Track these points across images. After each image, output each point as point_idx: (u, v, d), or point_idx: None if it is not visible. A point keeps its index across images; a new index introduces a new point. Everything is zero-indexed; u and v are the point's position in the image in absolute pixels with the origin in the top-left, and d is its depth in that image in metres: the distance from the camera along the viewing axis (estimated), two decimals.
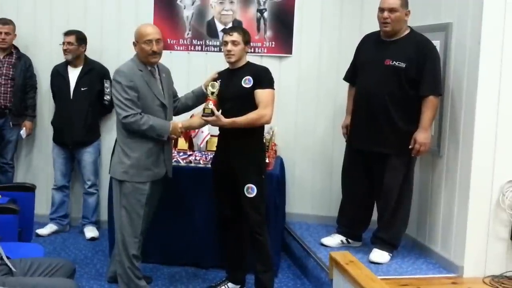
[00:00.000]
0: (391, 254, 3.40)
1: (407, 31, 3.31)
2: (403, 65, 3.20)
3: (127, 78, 3.03)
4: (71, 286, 2.36)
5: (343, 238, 3.66)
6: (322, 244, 3.68)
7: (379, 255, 3.36)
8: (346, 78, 3.69)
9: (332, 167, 4.16)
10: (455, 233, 3.21)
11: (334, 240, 3.67)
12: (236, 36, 3.09)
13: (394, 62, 3.22)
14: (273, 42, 4.25)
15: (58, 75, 4.28)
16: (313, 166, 4.34)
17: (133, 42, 3.14)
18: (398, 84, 3.22)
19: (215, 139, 3.81)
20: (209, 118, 3.07)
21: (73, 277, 2.59)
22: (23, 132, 4.36)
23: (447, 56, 3.31)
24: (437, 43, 3.38)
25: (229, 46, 3.09)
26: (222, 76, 3.22)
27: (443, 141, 3.35)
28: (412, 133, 3.23)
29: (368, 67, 3.37)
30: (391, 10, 3.20)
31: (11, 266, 2.41)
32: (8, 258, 2.45)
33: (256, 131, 3.15)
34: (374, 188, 3.45)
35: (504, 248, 3.11)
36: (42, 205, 4.37)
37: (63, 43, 4.18)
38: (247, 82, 3.08)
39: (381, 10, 3.24)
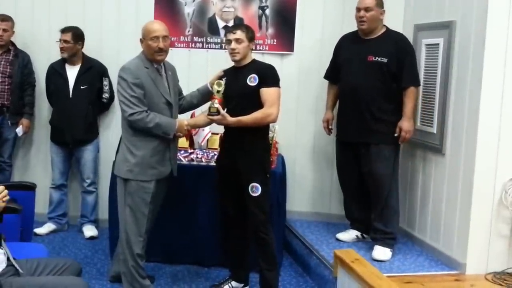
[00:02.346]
0: (392, 250, 3.43)
1: (384, 30, 3.52)
2: (385, 60, 3.40)
3: (133, 75, 2.99)
4: (81, 284, 2.33)
5: (358, 233, 3.74)
6: (338, 239, 3.75)
7: (381, 252, 3.40)
8: (326, 77, 3.86)
9: (333, 165, 4.13)
10: (457, 231, 3.23)
11: (349, 235, 3.75)
12: (239, 34, 3.06)
13: (377, 58, 3.41)
14: (275, 40, 4.23)
15: (55, 73, 4.20)
16: (313, 163, 4.35)
17: (140, 39, 3.10)
18: (381, 78, 3.41)
19: (216, 137, 3.81)
20: (215, 117, 3.05)
21: (80, 277, 2.55)
22: (19, 130, 4.29)
23: (450, 54, 3.32)
24: (440, 41, 3.40)
25: (233, 45, 3.05)
26: (227, 74, 3.20)
27: (446, 138, 3.37)
28: (397, 123, 3.40)
29: (351, 64, 3.53)
30: (367, 9, 3.41)
31: (18, 267, 2.36)
32: (14, 259, 2.41)
33: (261, 130, 3.13)
34: (364, 179, 3.54)
35: (506, 245, 3.13)
36: (40, 203, 4.30)
37: (60, 40, 4.10)
38: (252, 80, 3.05)
39: (358, 9, 3.45)
